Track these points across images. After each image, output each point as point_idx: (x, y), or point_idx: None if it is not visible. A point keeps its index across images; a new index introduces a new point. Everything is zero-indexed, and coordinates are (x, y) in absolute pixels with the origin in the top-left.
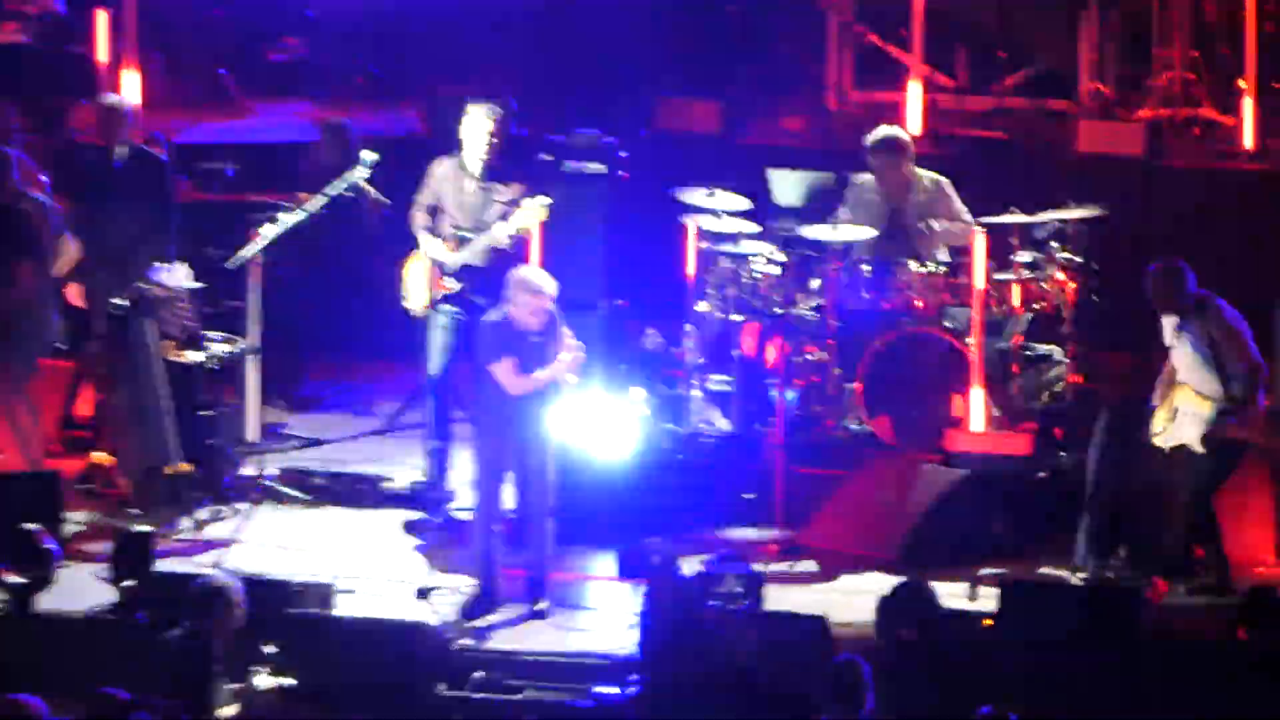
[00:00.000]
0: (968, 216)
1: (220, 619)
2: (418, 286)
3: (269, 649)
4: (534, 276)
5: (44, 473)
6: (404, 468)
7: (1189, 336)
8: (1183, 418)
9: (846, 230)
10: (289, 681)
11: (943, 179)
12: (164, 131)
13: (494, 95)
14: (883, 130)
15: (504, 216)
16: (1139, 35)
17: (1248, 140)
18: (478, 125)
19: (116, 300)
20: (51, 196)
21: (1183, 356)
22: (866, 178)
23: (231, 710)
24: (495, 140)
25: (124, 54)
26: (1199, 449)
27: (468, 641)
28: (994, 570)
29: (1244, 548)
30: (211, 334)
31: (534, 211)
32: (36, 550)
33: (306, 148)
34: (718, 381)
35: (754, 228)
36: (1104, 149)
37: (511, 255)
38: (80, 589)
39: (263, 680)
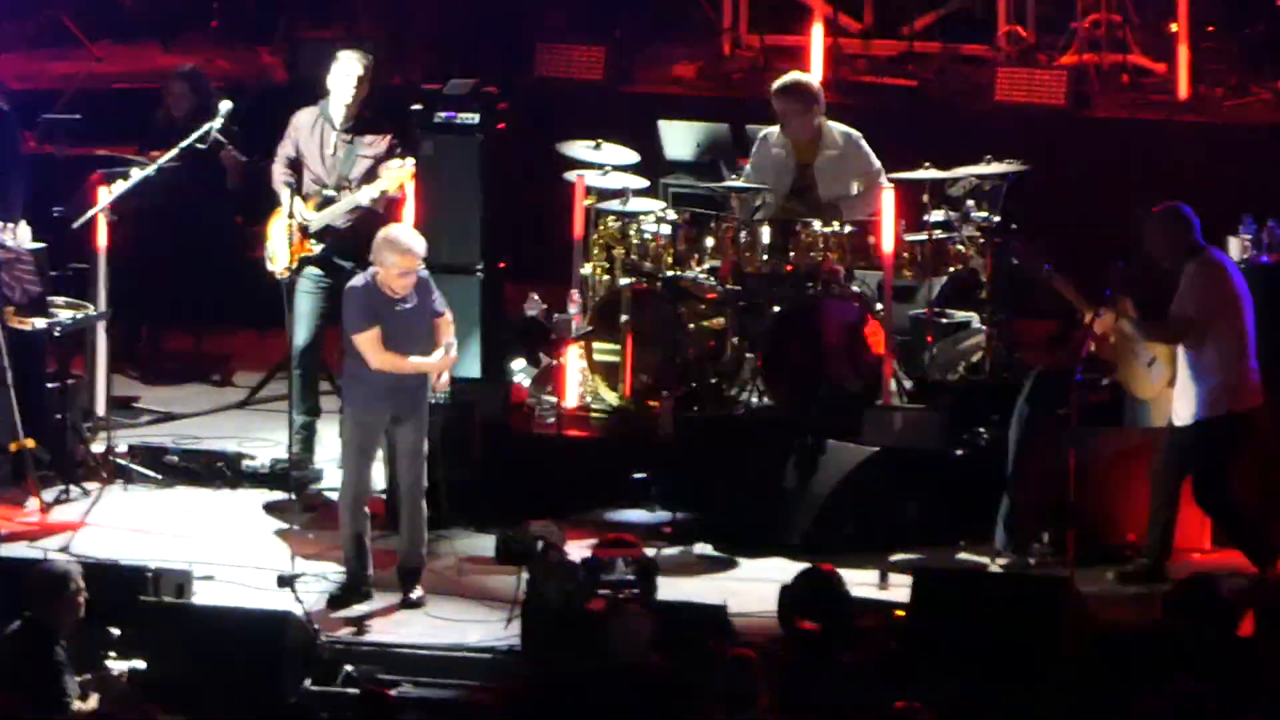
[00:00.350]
0: (882, 176)
1: (59, 608)
2: (280, 247)
3: (115, 631)
4: (402, 235)
5: None
6: (266, 444)
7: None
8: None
9: (741, 185)
10: (138, 664)
11: (854, 132)
12: (2, 79)
13: (361, 40)
14: (791, 76)
15: (370, 172)
16: None
17: (1181, 89)
18: (345, 73)
19: None
20: None
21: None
22: (773, 131)
23: (91, 703)
24: (363, 89)
25: None
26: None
27: (336, 633)
28: (906, 556)
29: (1179, 534)
30: (56, 299)
31: (397, 174)
32: None
33: (157, 96)
34: (605, 351)
35: (643, 183)
36: (1023, 98)
37: (380, 216)
38: None
39: (113, 665)
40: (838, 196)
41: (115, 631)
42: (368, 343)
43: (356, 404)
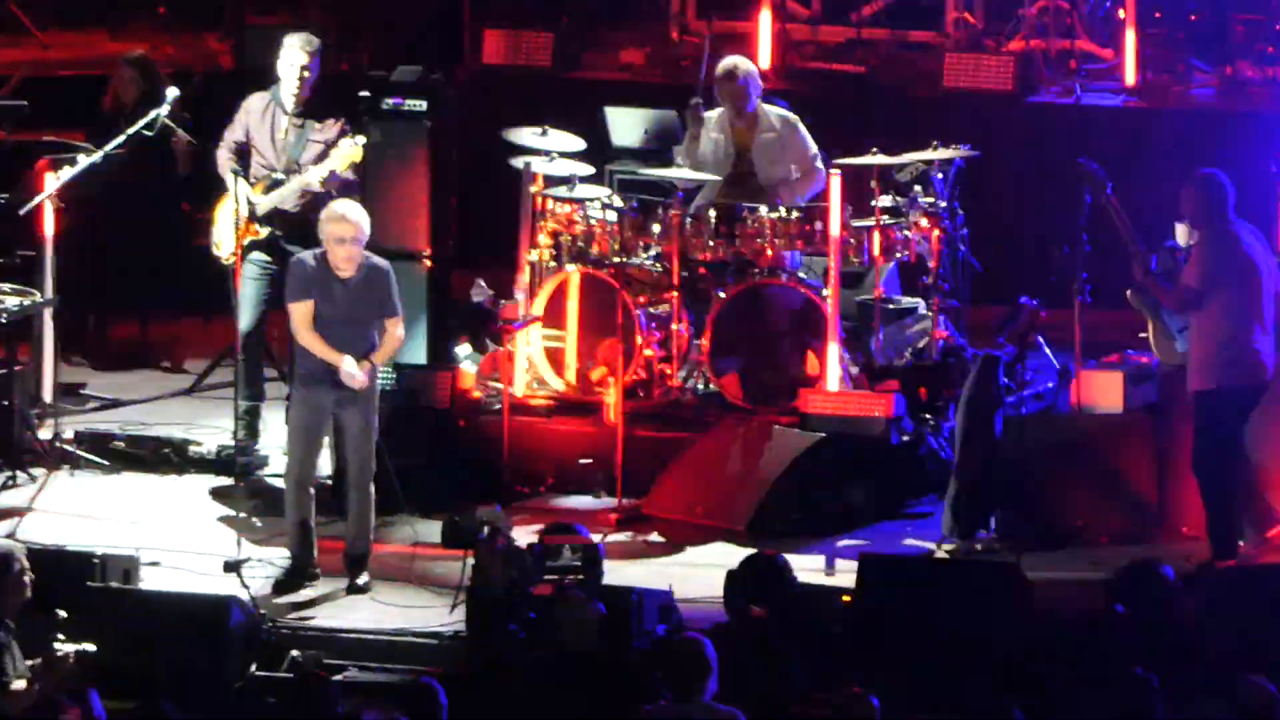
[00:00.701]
0: (819, 161)
1: (2, 589)
2: (227, 234)
3: (62, 614)
4: (338, 205)
5: None
6: (213, 430)
7: None
8: None
9: (688, 172)
10: (88, 647)
11: (791, 116)
12: None
13: (309, 26)
14: (726, 62)
15: (320, 157)
16: None
17: (1129, 76)
18: (292, 59)
19: None
20: None
21: None
22: (712, 114)
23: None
24: (311, 75)
25: None
26: None
27: (282, 618)
28: (853, 542)
29: (1084, 514)
30: (2, 286)
31: (348, 153)
32: None
33: (105, 83)
34: (552, 337)
35: (589, 170)
36: (971, 84)
37: (327, 198)
38: None
39: (61, 648)
40: (775, 179)
41: (63, 614)
42: (298, 313)
43: (303, 385)
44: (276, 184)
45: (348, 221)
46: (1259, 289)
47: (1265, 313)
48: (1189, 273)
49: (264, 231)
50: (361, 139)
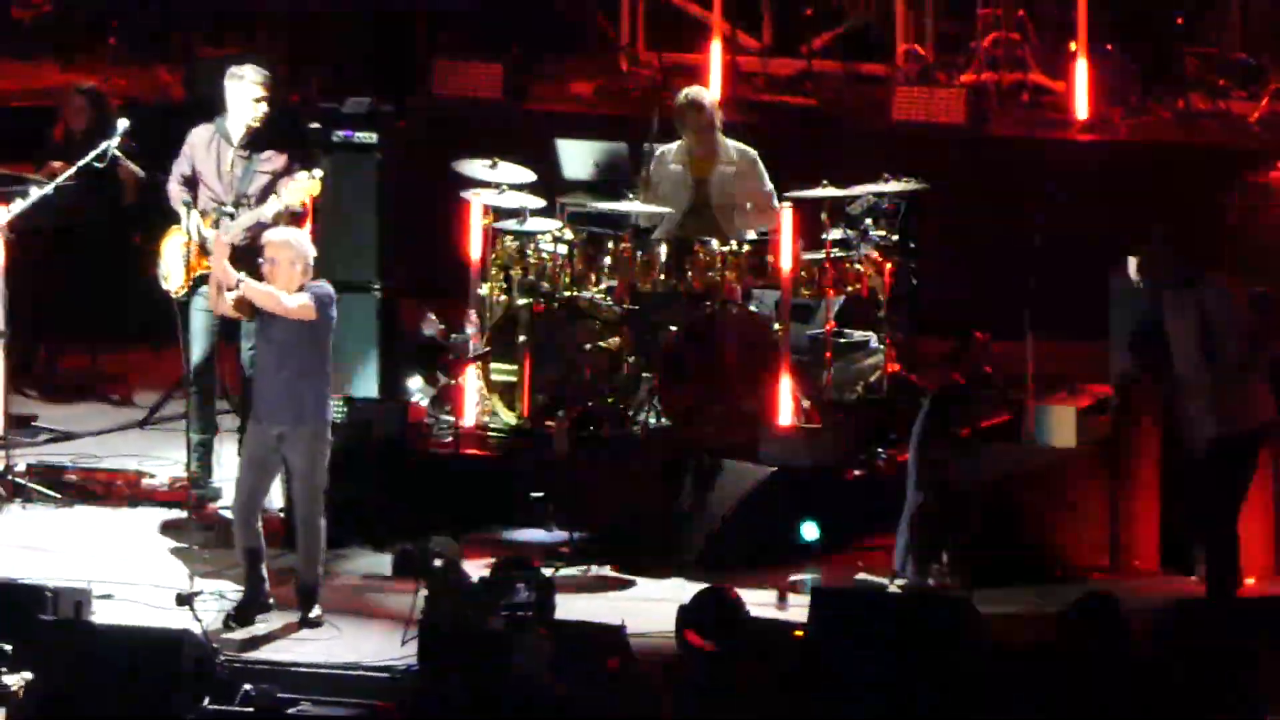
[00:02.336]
0: (775, 200)
1: None
2: (176, 265)
3: (6, 647)
4: (282, 231)
5: None
6: (165, 463)
7: None
8: None
9: (641, 205)
10: (26, 676)
11: (751, 150)
12: None
13: (257, 58)
14: (690, 91)
15: (268, 189)
16: None
17: (1081, 109)
18: (242, 91)
19: None
20: None
21: None
22: (670, 148)
23: None
24: (261, 107)
25: None
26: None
27: (234, 652)
28: (805, 576)
29: (1077, 552)
30: None
31: (304, 186)
32: None
33: (55, 114)
34: (502, 370)
35: (540, 202)
36: (922, 117)
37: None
38: None
39: (7, 679)
40: (730, 212)
41: (7, 648)
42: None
43: (251, 416)
44: (227, 217)
45: (270, 243)
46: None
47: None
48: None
49: None
50: (319, 172)
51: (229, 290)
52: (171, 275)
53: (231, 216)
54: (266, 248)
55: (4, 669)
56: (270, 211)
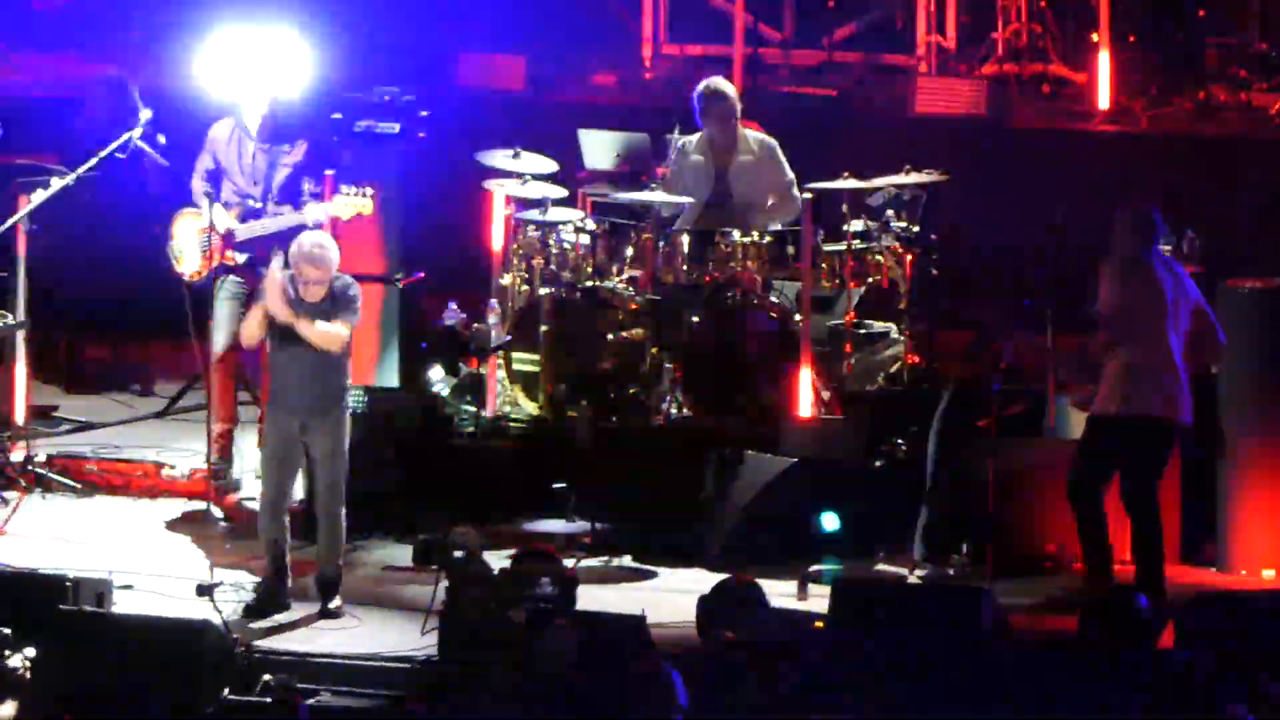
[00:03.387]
0: (795, 188)
1: None
2: (191, 249)
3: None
4: (316, 249)
5: None
6: (185, 454)
7: None
8: None
9: (663, 196)
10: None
11: (770, 140)
12: None
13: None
14: (712, 81)
15: (291, 181)
16: None
17: (1102, 100)
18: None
19: None
20: None
21: None
22: (691, 139)
23: (9, 709)
24: (279, 99)
25: None
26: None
27: (255, 642)
28: (825, 567)
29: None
30: None
31: (357, 204)
32: None
33: (78, 105)
34: (524, 360)
35: (562, 193)
36: (944, 108)
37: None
38: None
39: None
40: (751, 203)
41: (5, 631)
42: (253, 312)
43: (272, 407)
44: (253, 212)
45: (327, 268)
46: (1164, 325)
47: (1170, 349)
48: (1104, 300)
49: (241, 258)
50: (371, 191)
51: (283, 319)
52: (185, 258)
53: (254, 211)
54: (310, 269)
55: (6, 650)
56: (311, 217)
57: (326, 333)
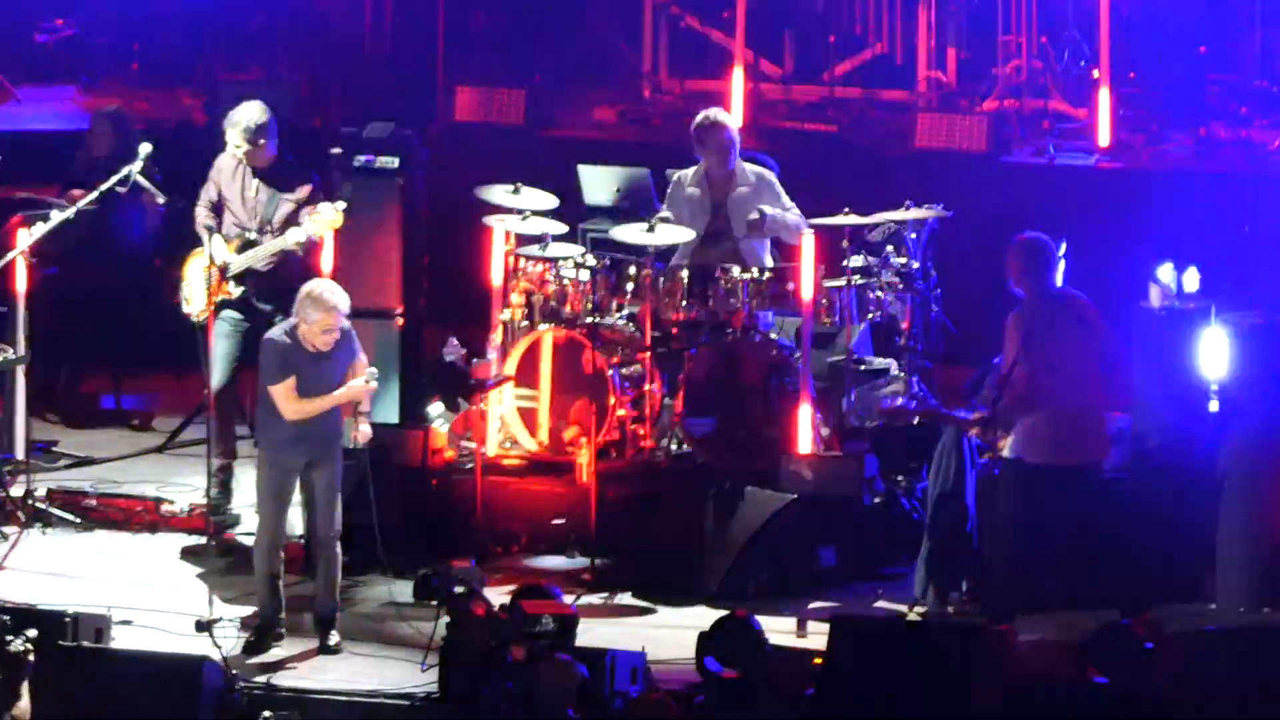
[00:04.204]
0: (797, 214)
1: None
2: (198, 290)
3: None
4: (326, 292)
5: None
6: (185, 489)
7: None
8: None
9: (664, 231)
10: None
11: (768, 172)
12: None
13: (280, 82)
14: (711, 112)
15: (292, 216)
16: (982, 18)
17: (1102, 136)
18: (231, 136)
19: None
20: None
21: None
22: (687, 173)
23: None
24: (253, 150)
25: None
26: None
27: (254, 678)
28: (824, 604)
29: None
30: None
31: (328, 219)
32: None
33: (78, 138)
34: (524, 396)
35: (562, 228)
36: (944, 144)
37: (299, 259)
38: None
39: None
40: (749, 222)
41: (4, 618)
42: (282, 394)
43: (271, 448)
44: (250, 244)
45: (338, 313)
46: (1061, 364)
47: (1074, 391)
48: (1010, 343)
49: (237, 291)
50: (342, 204)
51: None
52: (193, 299)
53: (253, 244)
54: (324, 315)
55: (7, 636)
56: (293, 240)
57: (369, 386)
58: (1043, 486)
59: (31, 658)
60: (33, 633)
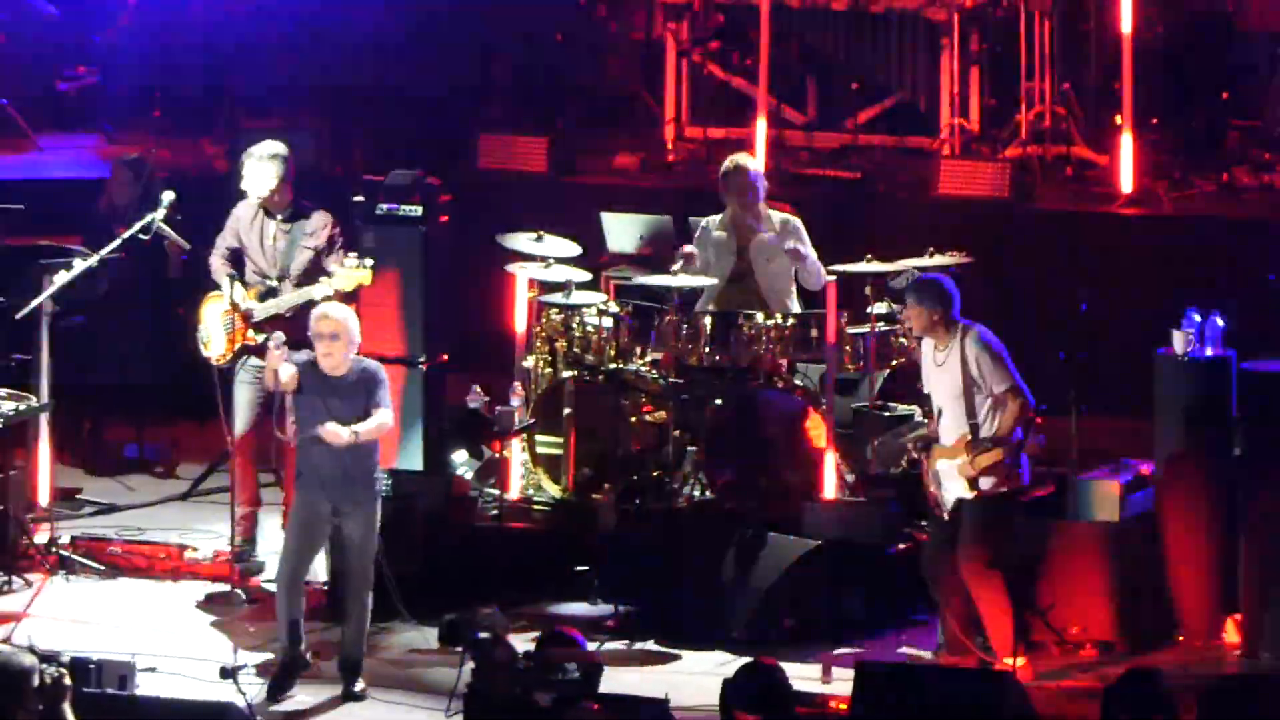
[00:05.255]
0: (818, 263)
1: (21, 700)
2: (217, 332)
3: None
4: (323, 306)
5: None
6: (209, 536)
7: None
8: (946, 480)
9: (686, 278)
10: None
11: (794, 219)
12: None
13: (301, 131)
14: (737, 157)
15: (312, 263)
16: (1005, 65)
17: (1125, 183)
18: (259, 179)
19: None
20: None
21: (942, 390)
22: (711, 219)
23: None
24: (275, 185)
25: None
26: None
27: None
28: (848, 650)
29: (1080, 622)
30: None
31: (355, 275)
32: None
33: (99, 185)
34: (547, 443)
35: (586, 275)
36: (967, 190)
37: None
38: None
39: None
40: (775, 281)
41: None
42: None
43: (301, 482)
44: (272, 291)
45: (329, 318)
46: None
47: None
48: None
49: (259, 338)
50: (369, 261)
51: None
52: (212, 342)
53: (273, 291)
54: (324, 321)
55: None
56: (319, 293)
57: (379, 427)
58: None
59: (68, 681)
60: (66, 658)
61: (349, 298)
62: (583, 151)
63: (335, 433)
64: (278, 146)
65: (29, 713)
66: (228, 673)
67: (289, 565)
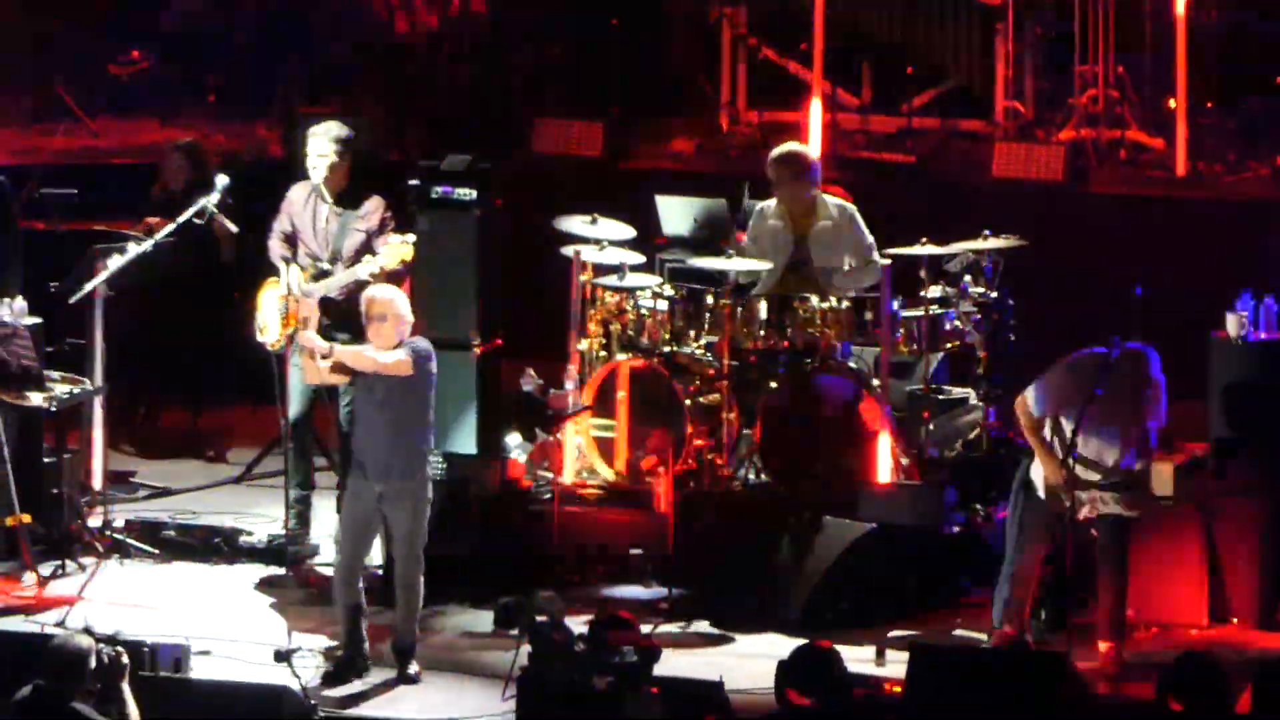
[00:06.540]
0: (874, 252)
1: (81, 682)
2: (272, 318)
3: None
4: (374, 288)
5: None
6: (263, 519)
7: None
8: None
9: (741, 261)
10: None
11: (849, 205)
12: None
13: (358, 115)
14: (788, 146)
15: (363, 246)
16: (1060, 49)
17: (1178, 165)
18: (319, 149)
19: None
20: None
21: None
22: (769, 204)
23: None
24: (339, 168)
25: None
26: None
27: (332, 709)
28: (903, 632)
29: (1175, 609)
30: (53, 374)
31: (399, 251)
32: None
33: (155, 171)
34: (602, 426)
35: (640, 258)
36: (1021, 173)
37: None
38: None
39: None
40: (830, 268)
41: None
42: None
43: (352, 473)
44: (323, 274)
45: (377, 301)
46: None
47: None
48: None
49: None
50: (411, 236)
51: (322, 358)
52: (269, 328)
53: (326, 274)
54: (372, 304)
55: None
56: (365, 272)
57: (363, 354)
58: None
59: (126, 660)
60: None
61: (396, 277)
62: (638, 135)
63: (310, 339)
64: (342, 129)
65: (88, 694)
66: (282, 656)
67: (345, 556)
